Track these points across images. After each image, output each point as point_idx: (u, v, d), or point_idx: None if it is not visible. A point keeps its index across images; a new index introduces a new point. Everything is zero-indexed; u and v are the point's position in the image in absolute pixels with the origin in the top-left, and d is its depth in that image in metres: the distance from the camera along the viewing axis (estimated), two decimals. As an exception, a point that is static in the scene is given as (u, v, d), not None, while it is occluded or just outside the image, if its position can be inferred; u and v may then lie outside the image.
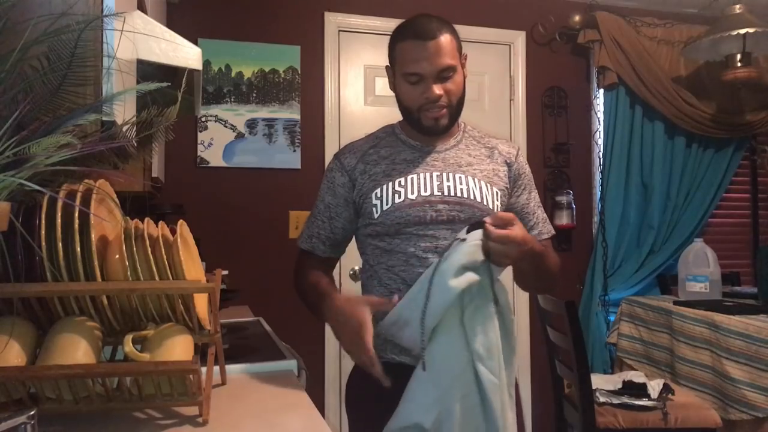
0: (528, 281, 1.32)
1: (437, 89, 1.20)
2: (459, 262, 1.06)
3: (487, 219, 1.09)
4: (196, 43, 2.38)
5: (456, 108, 1.25)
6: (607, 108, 3.20)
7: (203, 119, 2.69)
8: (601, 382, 2.23)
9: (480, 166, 1.29)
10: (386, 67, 1.30)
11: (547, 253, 1.26)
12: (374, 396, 1.13)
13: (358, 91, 2.93)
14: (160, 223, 1.02)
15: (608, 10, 3.13)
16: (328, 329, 2.72)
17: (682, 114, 3.16)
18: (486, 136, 1.37)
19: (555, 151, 3.17)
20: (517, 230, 1.08)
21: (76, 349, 0.86)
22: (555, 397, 2.34)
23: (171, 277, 0.94)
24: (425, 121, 1.24)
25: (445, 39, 1.20)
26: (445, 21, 1.24)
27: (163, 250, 0.94)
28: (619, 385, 2.19)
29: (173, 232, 1.00)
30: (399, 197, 1.22)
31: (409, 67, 1.21)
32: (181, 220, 1.03)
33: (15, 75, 0.74)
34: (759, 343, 2.09)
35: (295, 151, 2.80)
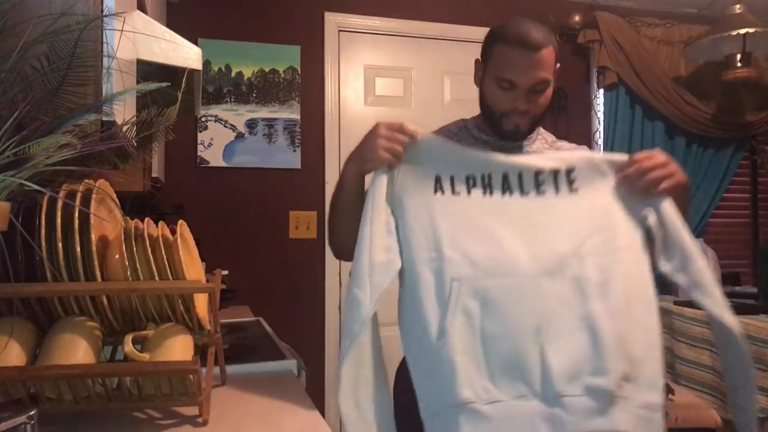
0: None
1: (527, 102, 1.19)
2: None
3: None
4: (196, 43, 2.39)
5: (539, 118, 1.25)
6: (607, 108, 3.20)
7: (203, 119, 2.69)
8: (601, 382, 2.23)
9: None
10: (476, 60, 1.28)
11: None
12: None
13: (358, 91, 2.92)
14: (160, 223, 1.02)
15: (608, 10, 3.14)
16: (328, 329, 2.72)
17: (682, 114, 3.16)
18: (557, 141, 1.38)
19: (555, 151, 3.17)
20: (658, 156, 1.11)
21: (76, 349, 0.86)
22: (555, 397, 2.34)
23: (171, 277, 0.94)
24: (506, 125, 1.22)
25: (548, 52, 1.18)
26: (550, 31, 1.21)
27: (163, 250, 0.94)
28: (619, 385, 2.19)
29: (173, 232, 1.00)
30: None
31: (505, 73, 1.18)
32: (181, 220, 1.03)
33: (15, 75, 0.74)
34: (759, 343, 2.09)
35: (295, 151, 2.80)
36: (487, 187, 1.13)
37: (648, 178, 1.09)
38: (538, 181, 1.13)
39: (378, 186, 1.11)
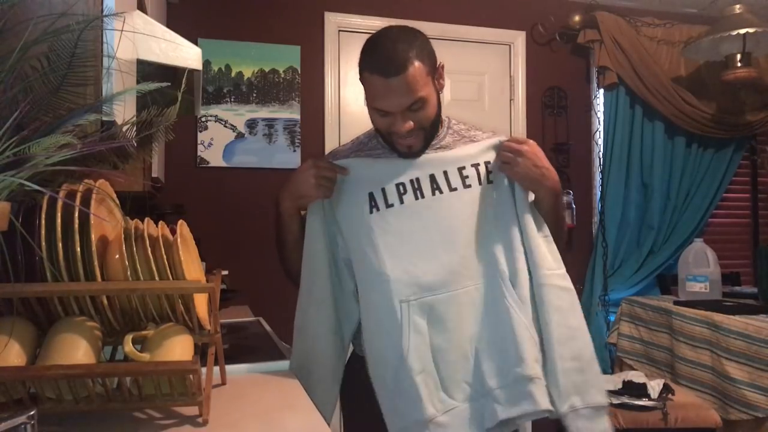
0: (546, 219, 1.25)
1: (406, 124, 1.15)
2: None
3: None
4: (196, 43, 2.38)
5: (430, 129, 1.22)
6: (607, 108, 3.20)
7: (203, 119, 2.69)
8: (601, 382, 2.23)
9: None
10: (360, 78, 1.22)
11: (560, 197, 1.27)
12: (369, 392, 1.17)
13: (358, 91, 2.91)
14: (160, 223, 1.02)
15: (608, 10, 3.14)
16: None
17: (682, 114, 3.16)
18: (472, 128, 1.34)
19: (555, 151, 3.17)
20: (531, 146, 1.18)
21: (76, 349, 0.86)
22: (555, 397, 2.34)
23: (171, 277, 0.94)
24: (399, 146, 1.22)
25: (412, 71, 1.11)
26: (413, 42, 1.14)
27: (163, 250, 0.94)
28: (619, 385, 2.19)
29: (173, 232, 1.00)
30: None
31: (375, 103, 1.17)
32: (181, 220, 1.03)
33: (15, 75, 0.74)
34: (759, 343, 2.09)
35: (295, 151, 2.80)
36: (417, 190, 1.19)
37: (502, 159, 1.19)
38: (463, 175, 1.20)
39: (314, 221, 1.22)
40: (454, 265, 1.15)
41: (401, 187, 1.19)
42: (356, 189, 1.21)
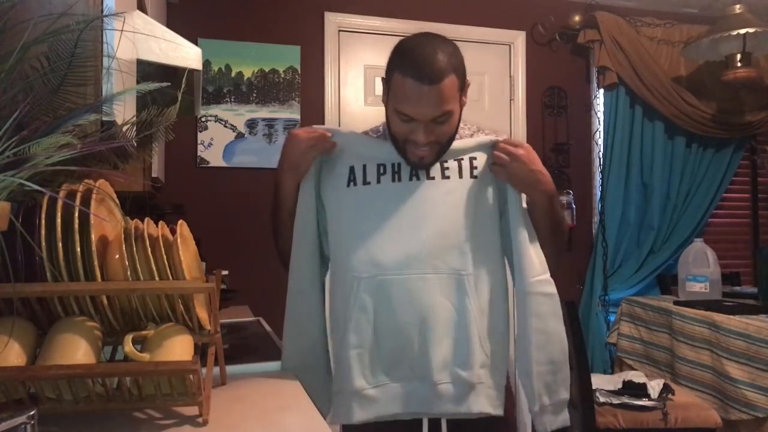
0: (541, 225, 1.23)
1: (427, 135, 1.13)
2: None
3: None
4: (196, 43, 2.38)
5: (445, 146, 1.19)
6: (607, 108, 3.20)
7: (203, 119, 2.69)
8: (601, 382, 2.23)
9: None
10: (382, 78, 1.19)
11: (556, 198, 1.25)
12: None
13: (358, 91, 2.93)
14: (160, 223, 1.02)
15: (608, 10, 3.14)
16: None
17: (682, 114, 3.16)
18: (475, 133, 1.32)
19: (555, 151, 3.17)
20: (526, 149, 1.17)
21: (76, 349, 0.86)
22: (555, 397, 2.34)
23: (171, 277, 0.94)
24: (410, 155, 1.18)
25: (447, 83, 1.09)
26: (451, 54, 1.12)
27: (163, 250, 0.94)
28: (619, 385, 2.19)
29: (173, 232, 1.00)
30: None
31: (402, 107, 1.12)
32: (181, 220, 1.03)
33: (15, 75, 0.74)
34: (759, 343, 2.09)
35: (295, 151, 2.80)
36: (396, 173, 1.20)
37: (496, 161, 1.18)
38: (443, 166, 1.20)
39: (306, 189, 1.22)
40: (416, 251, 1.16)
41: (381, 168, 1.21)
42: (340, 161, 1.23)
